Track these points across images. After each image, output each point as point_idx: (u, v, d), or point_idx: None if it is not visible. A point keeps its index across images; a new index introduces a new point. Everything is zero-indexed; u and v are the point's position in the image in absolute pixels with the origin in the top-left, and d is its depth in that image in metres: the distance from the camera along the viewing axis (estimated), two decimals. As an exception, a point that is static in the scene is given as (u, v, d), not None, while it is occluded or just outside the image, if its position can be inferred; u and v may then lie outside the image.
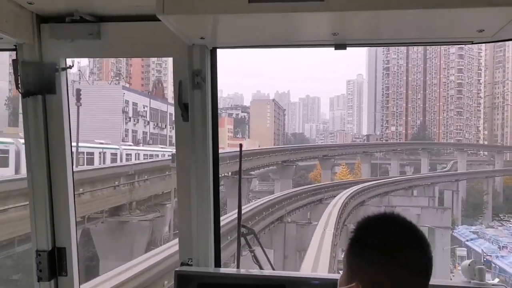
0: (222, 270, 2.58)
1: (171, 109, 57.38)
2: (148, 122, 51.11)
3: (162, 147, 46.63)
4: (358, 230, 1.30)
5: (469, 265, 2.12)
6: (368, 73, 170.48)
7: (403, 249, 1.21)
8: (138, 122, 48.78)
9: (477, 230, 67.95)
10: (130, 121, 47.45)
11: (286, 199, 32.44)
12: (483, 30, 2.11)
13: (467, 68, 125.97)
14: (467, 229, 67.43)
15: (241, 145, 3.27)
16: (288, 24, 2.06)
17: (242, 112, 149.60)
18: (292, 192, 35.52)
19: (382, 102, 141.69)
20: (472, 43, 2.42)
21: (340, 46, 2.33)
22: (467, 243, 59.13)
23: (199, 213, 2.51)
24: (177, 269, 2.40)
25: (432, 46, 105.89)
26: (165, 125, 54.55)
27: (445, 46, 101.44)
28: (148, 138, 51.38)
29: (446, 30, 2.22)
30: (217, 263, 2.60)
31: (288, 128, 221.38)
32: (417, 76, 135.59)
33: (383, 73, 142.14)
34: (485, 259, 53.76)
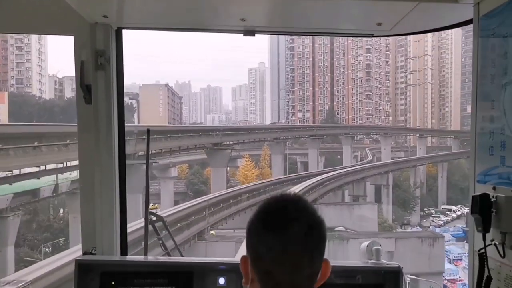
0: (129, 258, 2.48)
1: None
2: None
3: None
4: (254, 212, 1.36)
5: (367, 246, 2.19)
6: (271, 57, 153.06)
7: (278, 224, 1.25)
8: None
9: (416, 234, 51.29)
10: None
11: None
12: (381, 24, 2.28)
13: (375, 48, 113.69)
14: (404, 234, 50.47)
15: (148, 130, 3.15)
16: (194, 7, 2.05)
17: (130, 99, 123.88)
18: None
19: (287, 86, 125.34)
20: (373, 36, 2.57)
21: (249, 32, 2.33)
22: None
23: (104, 200, 2.38)
24: (78, 258, 2.24)
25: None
26: None
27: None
28: None
29: (348, 22, 2.37)
30: (123, 251, 2.47)
31: (189, 119, 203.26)
32: (324, 57, 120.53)
33: (287, 54, 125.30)
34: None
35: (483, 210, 1.90)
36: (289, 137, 61.16)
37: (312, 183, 34.36)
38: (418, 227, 54.57)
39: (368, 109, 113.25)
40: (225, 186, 39.72)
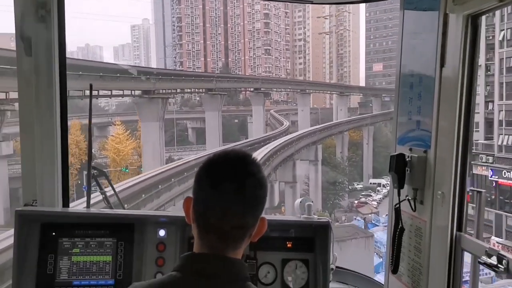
0: (70, 209, 2.43)
1: None
2: None
3: None
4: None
5: (300, 202, 2.31)
6: (154, 7, 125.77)
7: (216, 173, 1.35)
8: None
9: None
10: None
11: None
12: None
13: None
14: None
15: (91, 85, 3.03)
16: None
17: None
18: None
19: (174, 39, 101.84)
20: (312, 3, 2.65)
21: None
22: None
23: (45, 152, 2.33)
24: (18, 209, 2.16)
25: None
26: None
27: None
28: None
29: None
30: (65, 203, 2.44)
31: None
32: (216, 5, 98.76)
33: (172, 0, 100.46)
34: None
35: (399, 168, 2.07)
36: (172, 90, 38.59)
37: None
38: (358, 218, 37.25)
39: (268, 66, 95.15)
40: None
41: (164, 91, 36.17)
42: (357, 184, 54.46)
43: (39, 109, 2.28)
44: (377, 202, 46.65)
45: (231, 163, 1.36)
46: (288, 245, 2.26)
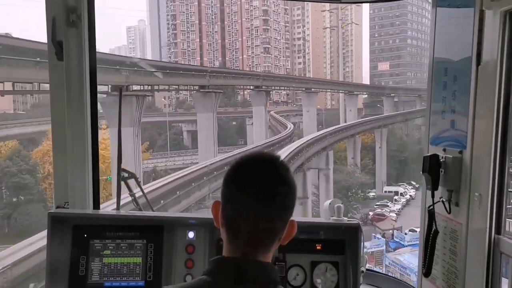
0: (101, 211, 2.54)
1: None
2: None
3: None
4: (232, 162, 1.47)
5: (329, 204, 2.29)
6: (150, 5, 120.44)
7: (244, 177, 1.34)
8: None
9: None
10: None
11: None
12: None
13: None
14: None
15: (121, 89, 3.39)
16: None
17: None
18: None
19: (169, 38, 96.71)
20: (340, 2, 2.69)
21: None
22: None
23: (76, 156, 2.40)
24: (51, 211, 2.23)
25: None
26: None
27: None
28: None
29: None
30: (96, 206, 2.52)
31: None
32: (212, 2, 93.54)
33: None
34: None
35: (432, 169, 2.01)
36: (155, 87, 32.37)
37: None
38: (378, 236, 31.39)
39: (267, 65, 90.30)
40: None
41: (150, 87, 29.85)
42: (369, 192, 48.83)
43: (71, 113, 2.32)
44: (395, 214, 40.92)
45: (259, 166, 1.34)
46: (318, 247, 2.24)
